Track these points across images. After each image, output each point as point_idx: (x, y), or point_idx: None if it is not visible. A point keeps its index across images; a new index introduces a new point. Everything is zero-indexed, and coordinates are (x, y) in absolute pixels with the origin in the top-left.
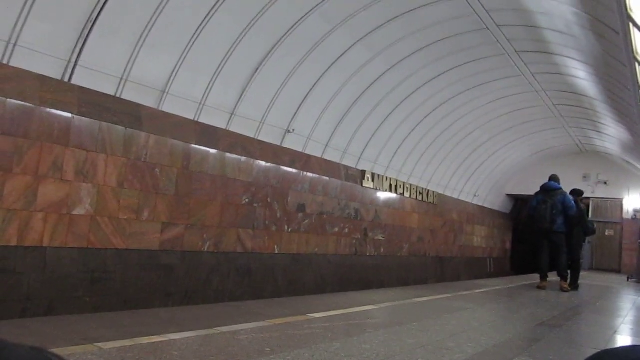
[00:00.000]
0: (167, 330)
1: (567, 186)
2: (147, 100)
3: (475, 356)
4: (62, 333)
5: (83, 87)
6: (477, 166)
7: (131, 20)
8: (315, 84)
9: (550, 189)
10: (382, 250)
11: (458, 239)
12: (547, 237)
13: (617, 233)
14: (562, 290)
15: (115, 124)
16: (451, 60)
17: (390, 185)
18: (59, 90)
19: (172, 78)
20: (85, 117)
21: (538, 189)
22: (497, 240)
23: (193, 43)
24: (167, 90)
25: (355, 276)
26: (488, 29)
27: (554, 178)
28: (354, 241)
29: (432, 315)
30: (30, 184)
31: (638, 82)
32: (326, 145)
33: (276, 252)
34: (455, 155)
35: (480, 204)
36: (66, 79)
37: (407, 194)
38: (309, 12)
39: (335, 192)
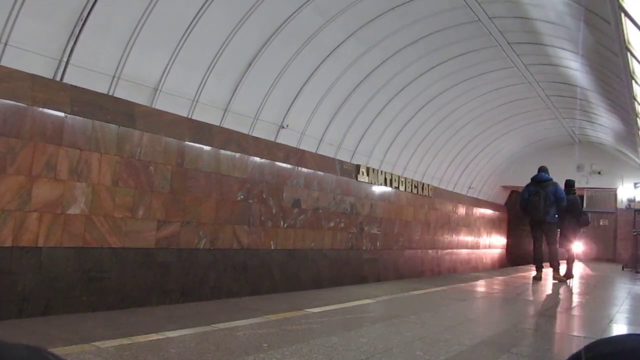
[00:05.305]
0: (164, 328)
1: (561, 177)
2: (140, 98)
3: (472, 347)
4: (59, 332)
5: (75, 86)
6: (471, 158)
7: (122, 18)
8: (308, 78)
9: (541, 180)
10: (377, 244)
11: (453, 231)
12: (540, 227)
13: (612, 223)
14: (555, 280)
15: (108, 122)
16: (444, 53)
17: (385, 179)
18: (51, 90)
19: (165, 75)
20: (78, 115)
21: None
22: (493, 232)
23: (185, 39)
24: (160, 88)
25: (351, 270)
26: (480, 21)
27: (543, 169)
28: (350, 235)
29: (429, 308)
30: (24, 184)
31: (630, 72)
32: (320, 140)
33: (272, 247)
34: (450, 148)
35: (475, 195)
36: (58, 78)
37: (402, 188)
38: (302, 5)
39: (330, 186)
